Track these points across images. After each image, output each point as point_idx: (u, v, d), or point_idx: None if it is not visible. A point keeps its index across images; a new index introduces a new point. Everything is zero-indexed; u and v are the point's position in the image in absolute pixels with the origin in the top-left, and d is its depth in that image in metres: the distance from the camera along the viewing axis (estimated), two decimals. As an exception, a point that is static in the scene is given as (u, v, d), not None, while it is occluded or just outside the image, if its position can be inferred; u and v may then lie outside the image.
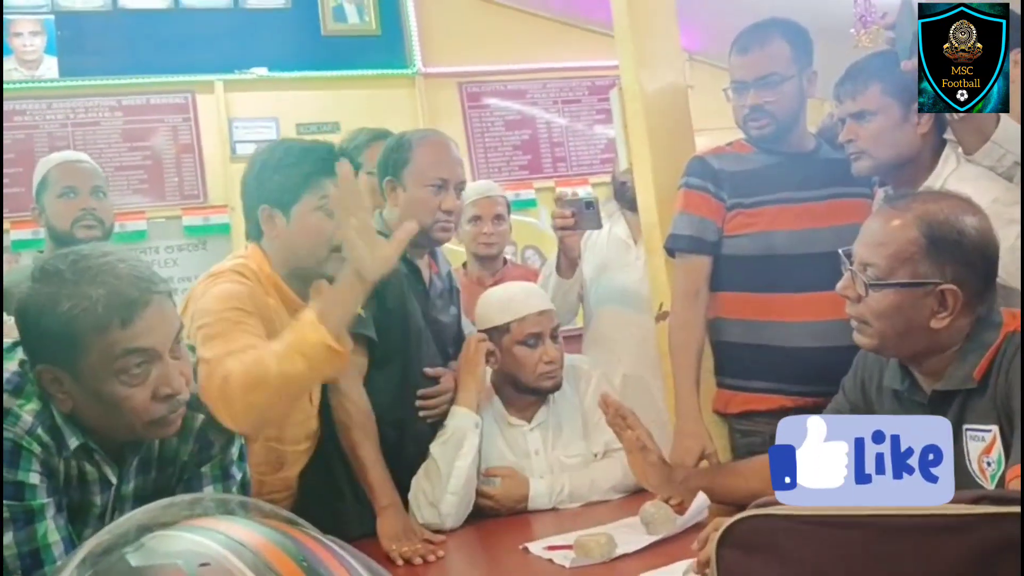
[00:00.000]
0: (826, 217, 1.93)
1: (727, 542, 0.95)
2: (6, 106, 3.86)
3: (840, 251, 1.48)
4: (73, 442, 1.23)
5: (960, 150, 1.74)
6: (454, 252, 2.68)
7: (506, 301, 1.99)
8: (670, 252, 2.06)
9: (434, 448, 1.83)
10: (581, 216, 2.22)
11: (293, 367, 1.41)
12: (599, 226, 2.29)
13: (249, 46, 4.15)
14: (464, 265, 2.72)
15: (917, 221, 1.35)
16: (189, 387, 1.27)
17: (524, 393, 1.96)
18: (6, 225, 3.56)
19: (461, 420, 1.83)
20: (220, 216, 3.97)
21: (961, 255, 1.34)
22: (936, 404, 1.39)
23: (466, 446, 1.82)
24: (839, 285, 1.43)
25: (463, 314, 2.16)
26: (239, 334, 1.50)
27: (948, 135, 1.77)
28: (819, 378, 1.84)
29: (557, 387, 1.96)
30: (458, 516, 1.82)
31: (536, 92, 4.52)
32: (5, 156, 3.79)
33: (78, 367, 1.19)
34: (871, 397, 1.52)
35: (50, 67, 3.98)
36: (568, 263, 2.34)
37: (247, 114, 4.14)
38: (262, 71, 4.15)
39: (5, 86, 3.89)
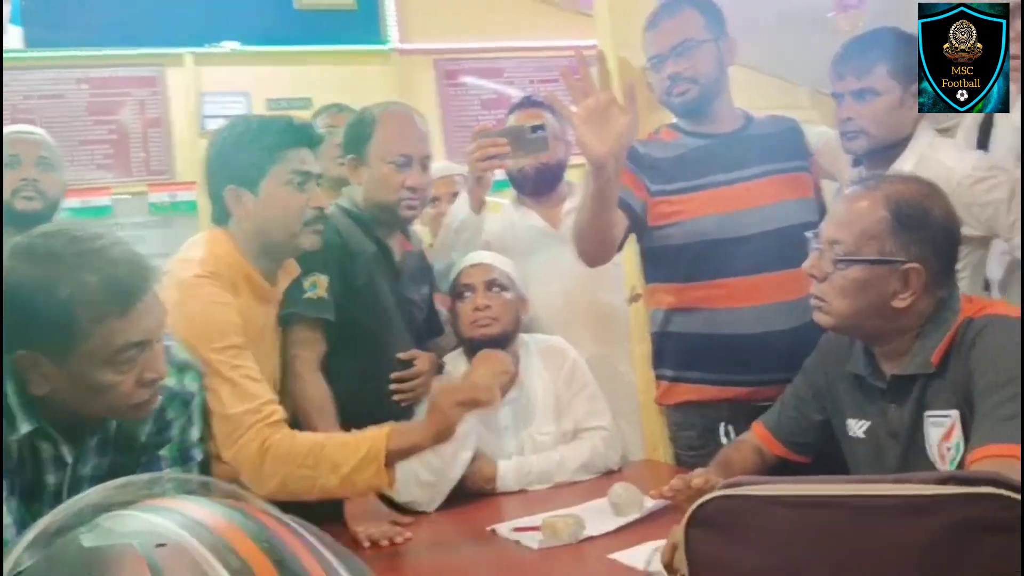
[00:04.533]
0: (757, 197, 1.89)
1: (696, 522, 0.95)
2: (-33, 76, 3.77)
3: (807, 233, 1.49)
4: (24, 428, 1.19)
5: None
6: (421, 233, 2.64)
7: (447, 267, 2.06)
8: None
9: None
10: (522, 142, 2.03)
11: (345, 491, 1.55)
12: (547, 149, 2.11)
13: (220, 19, 4.07)
14: (430, 246, 2.68)
15: (885, 200, 1.36)
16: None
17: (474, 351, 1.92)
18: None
19: None
20: (188, 193, 3.91)
21: (926, 236, 1.35)
22: (896, 390, 1.41)
23: (471, 437, 1.83)
24: (806, 264, 1.44)
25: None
26: (249, 384, 1.54)
27: None
28: (755, 367, 1.85)
29: (492, 338, 1.92)
30: (442, 499, 1.83)
31: (513, 70, 4.48)
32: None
33: (68, 353, 1.16)
34: (833, 381, 1.54)
35: (15, 38, 3.88)
36: (479, 199, 2.12)
37: (217, 88, 4.06)
38: (233, 45, 4.08)
39: (-35, 56, 3.79)
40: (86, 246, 1.17)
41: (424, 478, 1.80)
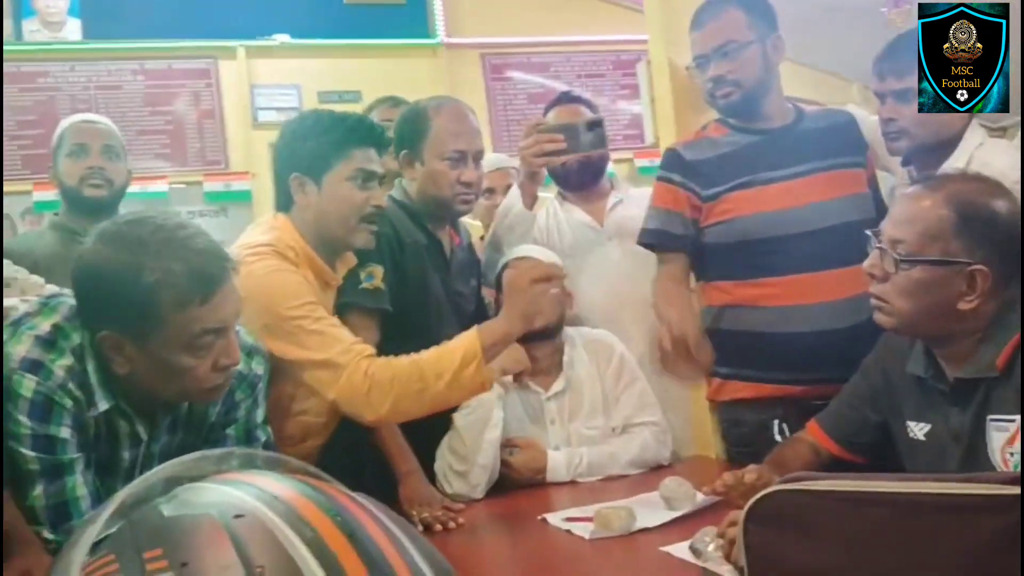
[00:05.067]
0: (807, 194, 1.86)
1: (754, 518, 0.94)
2: (29, 68, 3.86)
3: (868, 231, 1.46)
4: (103, 405, 1.24)
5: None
6: (474, 226, 2.65)
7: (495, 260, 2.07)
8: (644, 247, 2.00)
9: (459, 420, 1.83)
10: (578, 138, 2.03)
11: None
12: (604, 146, 2.11)
13: (272, 12, 4.13)
14: (482, 239, 2.69)
15: (949, 200, 1.33)
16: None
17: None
18: (30, 186, 3.58)
19: (485, 393, 1.82)
20: (241, 183, 3.97)
21: (992, 236, 1.32)
22: (959, 393, 1.37)
23: (494, 418, 1.83)
24: (866, 263, 1.41)
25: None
26: (335, 330, 1.62)
27: None
28: (807, 365, 1.82)
29: (534, 332, 1.83)
30: (486, 486, 1.83)
31: (560, 65, 4.48)
32: (28, 118, 3.80)
33: (149, 337, 1.21)
34: (893, 382, 1.50)
35: (73, 29, 3.97)
36: (532, 195, 2.14)
37: (269, 81, 4.13)
38: (285, 38, 4.14)
39: (28, 47, 3.89)
40: (171, 235, 1.21)
41: (456, 467, 1.82)
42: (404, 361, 1.60)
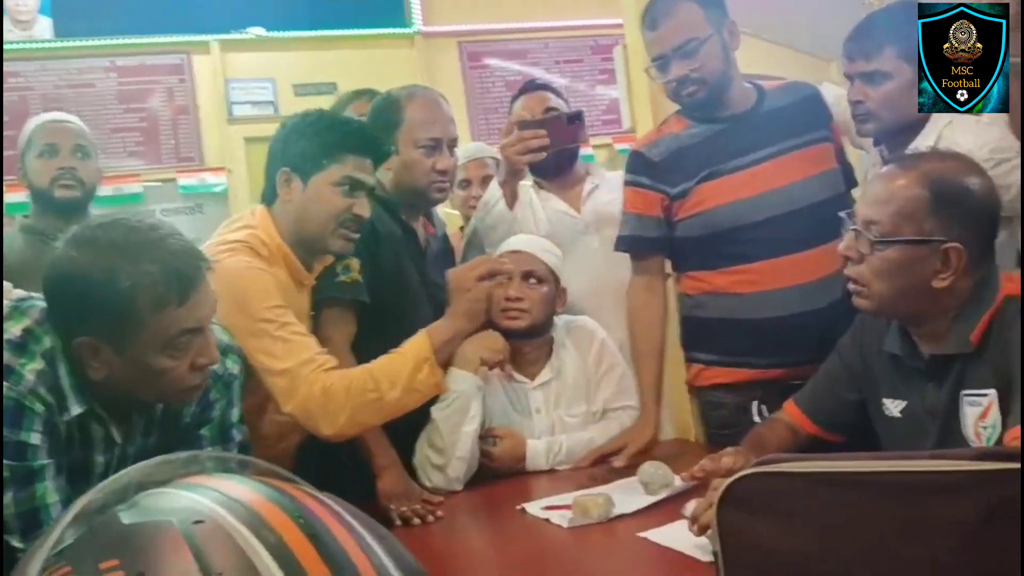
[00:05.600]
0: (775, 178, 1.85)
1: (728, 501, 0.94)
2: (-1, 67, 3.81)
3: (840, 213, 1.46)
4: (76, 409, 1.23)
5: None
6: (450, 215, 2.63)
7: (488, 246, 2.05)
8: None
9: (437, 413, 1.82)
10: (561, 132, 2.03)
11: (409, 400, 1.63)
12: (585, 138, 2.13)
13: (246, 5, 4.09)
14: (461, 228, 2.68)
15: (923, 179, 1.33)
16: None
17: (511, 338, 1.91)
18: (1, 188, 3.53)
19: (463, 384, 1.81)
20: (217, 178, 3.94)
21: (966, 214, 1.33)
22: (935, 369, 1.39)
23: (472, 410, 1.82)
24: (842, 246, 1.41)
25: None
26: (299, 339, 1.61)
27: None
28: (786, 348, 1.83)
29: (520, 331, 1.89)
30: (465, 478, 1.83)
31: (537, 52, 4.46)
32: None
33: (127, 340, 1.20)
34: (869, 360, 1.51)
35: (44, 28, 3.92)
36: (514, 192, 2.11)
37: (244, 75, 4.09)
38: (259, 31, 4.10)
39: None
40: (145, 237, 1.21)
41: (435, 461, 1.81)
42: (357, 371, 1.62)
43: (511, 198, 2.09)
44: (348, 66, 4.02)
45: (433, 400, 1.78)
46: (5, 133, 3.68)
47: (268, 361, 1.58)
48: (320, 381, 1.58)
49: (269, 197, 1.74)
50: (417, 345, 1.64)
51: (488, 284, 1.71)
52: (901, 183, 1.35)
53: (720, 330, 1.91)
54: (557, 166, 2.27)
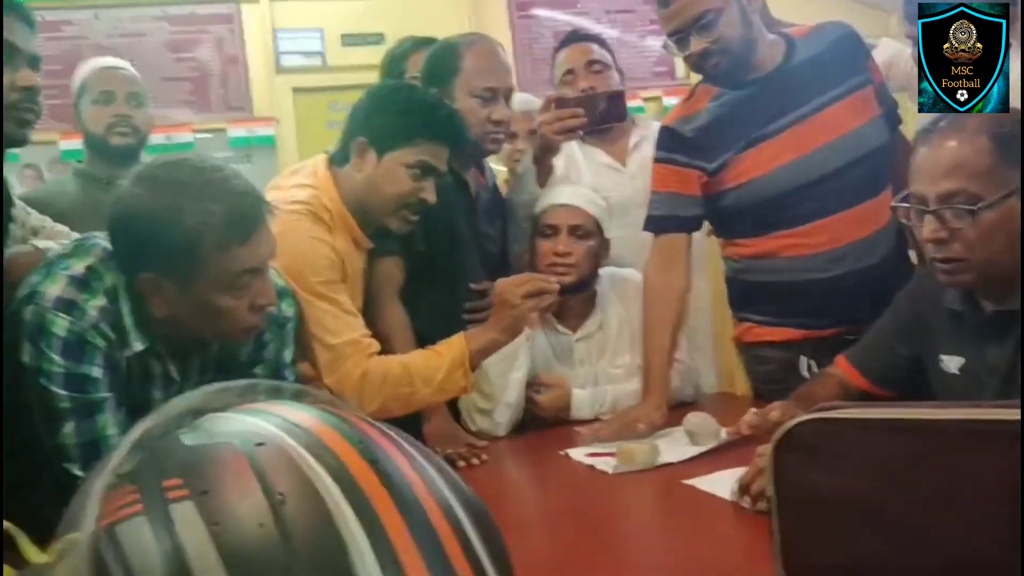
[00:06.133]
0: (816, 137, 1.77)
1: (786, 445, 0.92)
2: (53, 16, 3.84)
3: (895, 203, 1.40)
4: (137, 346, 1.26)
5: None
6: (498, 171, 2.60)
7: (542, 194, 2.00)
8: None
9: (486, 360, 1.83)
10: (598, 110, 1.99)
11: (437, 399, 1.67)
12: (624, 117, 2.08)
13: (293, -45, 4.07)
14: (506, 182, 2.65)
15: (977, 131, 1.28)
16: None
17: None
18: (57, 136, 3.58)
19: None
20: (265, 128, 3.96)
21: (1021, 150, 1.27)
22: (997, 325, 1.34)
23: (520, 358, 1.83)
24: (926, 232, 1.32)
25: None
26: (347, 318, 1.64)
27: None
28: (838, 308, 1.79)
29: (568, 287, 1.86)
30: (510, 424, 1.85)
31: (587, 1, 4.37)
32: (53, 67, 3.79)
33: (189, 278, 1.22)
34: (928, 317, 1.47)
35: (96, -25, 3.95)
36: (549, 168, 2.08)
37: (292, 25, 4.08)
38: (306, -21, 4.08)
39: (52, -4, 3.87)
40: (209, 176, 1.22)
41: (481, 405, 1.83)
42: (396, 363, 1.64)
43: (545, 175, 2.05)
44: (396, 16, 3.98)
45: None
46: (58, 82, 3.73)
47: (317, 331, 1.60)
48: (361, 366, 1.61)
49: (340, 159, 1.73)
50: (455, 349, 1.65)
51: (533, 302, 1.68)
52: (956, 143, 1.29)
53: (770, 292, 1.87)
54: (604, 121, 2.22)
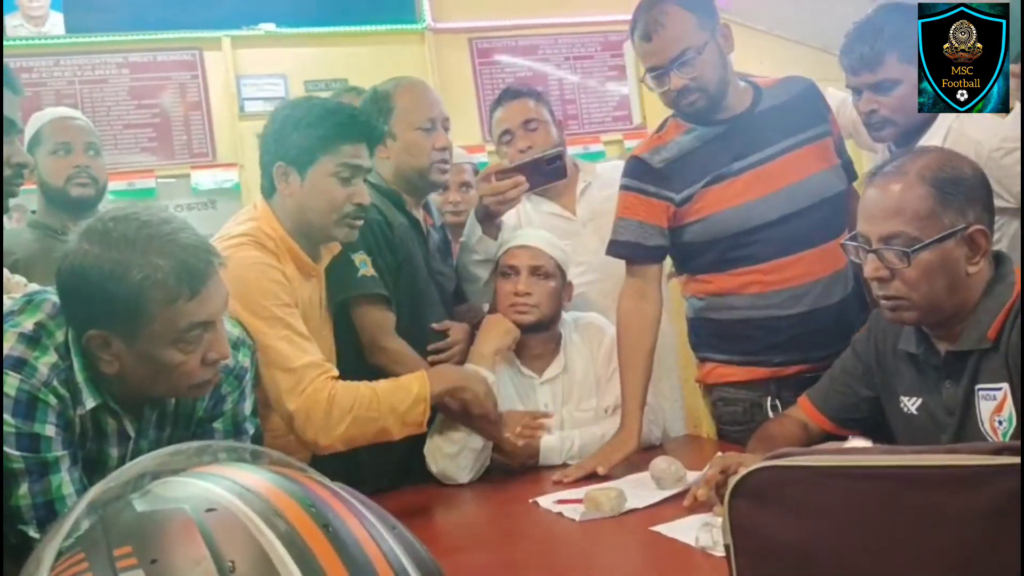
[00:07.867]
0: (779, 178, 1.81)
1: (740, 493, 0.93)
2: (13, 63, 3.82)
3: (844, 243, 1.44)
4: (90, 403, 1.24)
5: None
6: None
7: (501, 240, 2.04)
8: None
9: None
10: (540, 173, 2.02)
11: (396, 430, 1.65)
12: (565, 176, 2.08)
13: (257, 2, 4.09)
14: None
15: (919, 178, 1.33)
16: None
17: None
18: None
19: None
20: (229, 174, 3.95)
21: (968, 195, 1.33)
22: (951, 366, 1.38)
23: None
24: (869, 269, 1.37)
25: None
26: (303, 341, 1.62)
27: None
28: (799, 345, 1.82)
29: (528, 325, 1.92)
30: (475, 470, 1.84)
31: (548, 48, 4.44)
32: (13, 114, 3.76)
33: (138, 334, 1.20)
34: (885, 359, 1.50)
35: (56, 23, 3.94)
36: (493, 223, 2.07)
37: (255, 71, 4.09)
38: (270, 27, 4.10)
39: (11, 43, 3.85)
40: (157, 231, 1.20)
41: (447, 450, 1.82)
42: (365, 387, 1.64)
43: (494, 230, 2.06)
44: (359, 62, 4.01)
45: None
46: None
47: (275, 357, 1.58)
48: (327, 388, 1.59)
49: (267, 191, 1.73)
50: (418, 384, 1.67)
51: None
52: (899, 187, 1.34)
53: (731, 331, 1.89)
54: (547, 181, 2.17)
